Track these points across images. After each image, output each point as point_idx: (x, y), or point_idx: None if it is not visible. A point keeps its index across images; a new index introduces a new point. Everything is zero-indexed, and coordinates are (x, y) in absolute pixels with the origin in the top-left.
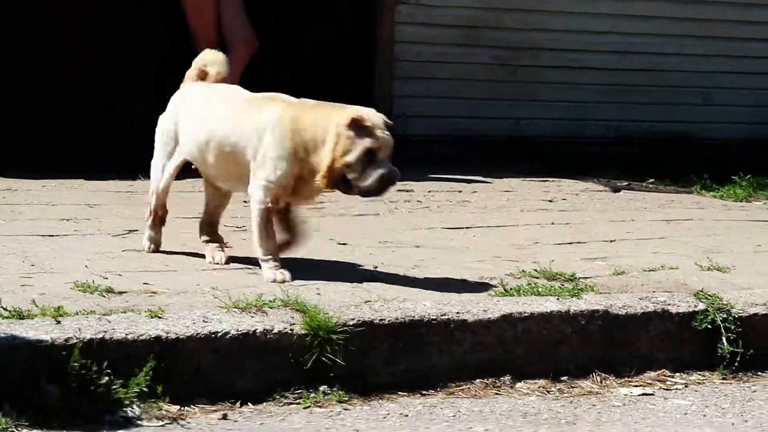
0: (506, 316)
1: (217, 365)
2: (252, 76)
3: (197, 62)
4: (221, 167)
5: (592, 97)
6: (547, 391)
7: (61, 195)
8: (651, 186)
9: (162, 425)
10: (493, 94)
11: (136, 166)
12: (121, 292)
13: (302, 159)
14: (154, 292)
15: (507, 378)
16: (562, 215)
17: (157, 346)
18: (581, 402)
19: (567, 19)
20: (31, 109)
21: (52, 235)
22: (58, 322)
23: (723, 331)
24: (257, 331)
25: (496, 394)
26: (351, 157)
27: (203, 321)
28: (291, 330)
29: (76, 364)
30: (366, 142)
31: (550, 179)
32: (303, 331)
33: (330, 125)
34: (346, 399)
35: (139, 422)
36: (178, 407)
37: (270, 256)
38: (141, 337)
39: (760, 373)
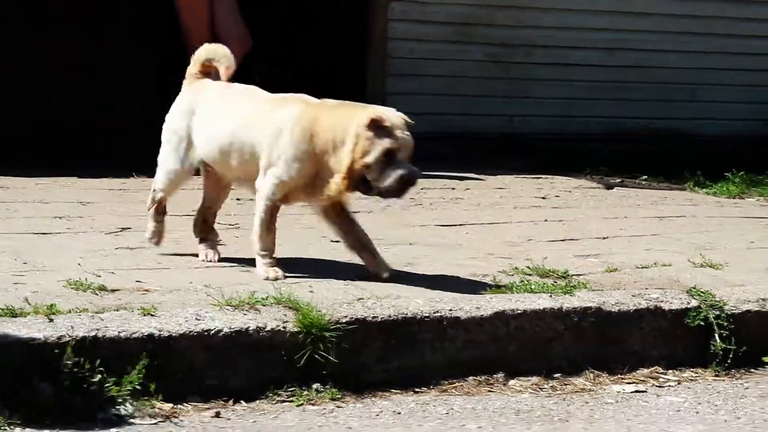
0: (499, 314)
1: (210, 363)
2: (243, 74)
3: (199, 57)
4: (243, 169)
5: (585, 94)
6: (539, 389)
7: (54, 193)
8: (644, 183)
9: (155, 423)
10: (486, 91)
11: (134, 165)
12: (113, 290)
13: (320, 160)
14: (146, 290)
15: (500, 375)
16: (555, 212)
17: (150, 344)
18: (574, 399)
19: (560, 16)
20: (31, 108)
21: (45, 233)
22: (51, 320)
23: (715, 328)
24: (250, 328)
25: (489, 391)
26: (370, 158)
27: (196, 319)
28: (284, 327)
29: (68, 362)
30: (385, 143)
31: (543, 176)
32: (296, 329)
33: (349, 126)
34: (339, 397)
35: (131, 420)
36: (171, 405)
37: (266, 252)
38: (134, 335)
39: (752, 370)
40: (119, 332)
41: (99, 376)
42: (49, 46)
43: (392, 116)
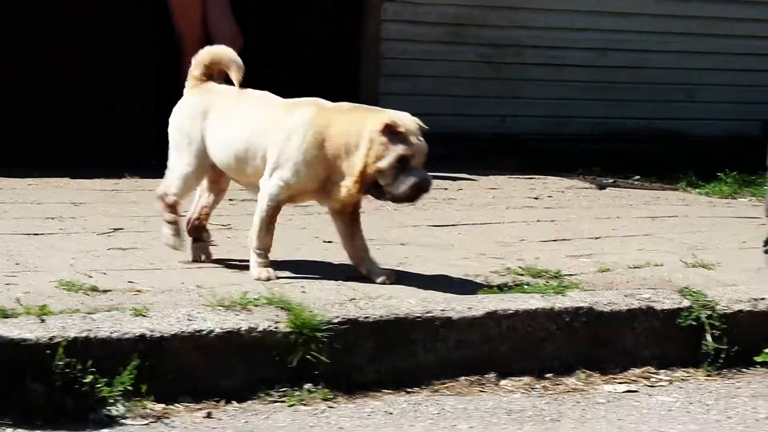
0: (491, 314)
1: (202, 364)
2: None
3: (202, 60)
4: (258, 176)
5: (578, 95)
6: (531, 389)
7: (46, 193)
8: (636, 183)
9: (146, 424)
10: (479, 92)
11: (132, 165)
12: (105, 291)
13: (332, 164)
14: (138, 291)
15: (492, 375)
16: (548, 212)
17: (142, 344)
18: (566, 399)
19: (552, 17)
20: (31, 108)
21: (37, 234)
22: (43, 321)
23: (707, 327)
24: (242, 329)
25: (481, 391)
26: (383, 164)
27: (188, 319)
28: (276, 328)
29: (60, 362)
30: (399, 149)
31: (536, 176)
32: (288, 329)
33: (363, 130)
34: (331, 397)
35: (123, 421)
36: (163, 406)
37: (262, 251)
38: (125, 336)
39: (744, 369)
40: (111, 333)
41: (91, 376)
42: (49, 46)
43: (407, 121)
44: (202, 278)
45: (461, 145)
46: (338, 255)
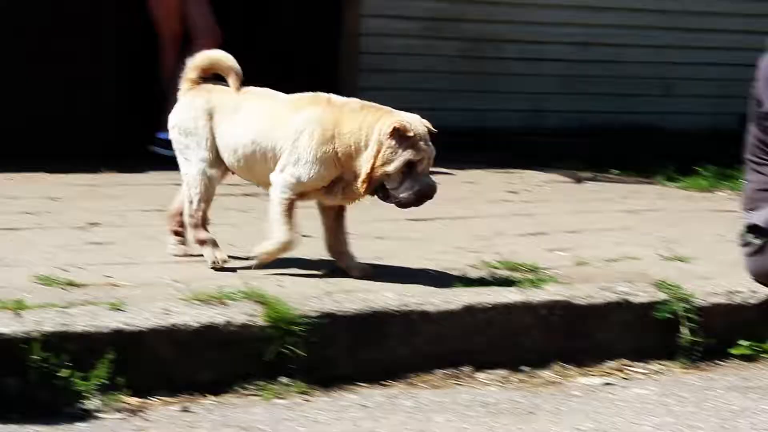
0: (468, 308)
1: (178, 357)
2: None
3: (198, 64)
4: (268, 174)
5: (556, 89)
6: (507, 382)
7: (23, 188)
8: (615, 177)
9: (122, 418)
10: (458, 86)
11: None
12: (82, 285)
13: (343, 163)
14: (115, 285)
15: (468, 368)
16: (526, 206)
17: (118, 338)
18: (541, 392)
19: (531, 11)
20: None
21: (14, 229)
22: (19, 315)
23: (684, 320)
24: (218, 323)
25: (457, 384)
26: (391, 168)
27: (164, 313)
28: (252, 322)
29: (36, 357)
30: (407, 154)
31: (514, 170)
32: (264, 323)
33: (372, 132)
34: (307, 390)
35: (99, 414)
36: (139, 399)
37: (281, 248)
38: (101, 330)
39: (719, 362)
40: (87, 327)
41: (67, 370)
42: (9, 35)
43: (416, 125)
44: (179, 273)
45: (439, 140)
46: (316, 249)
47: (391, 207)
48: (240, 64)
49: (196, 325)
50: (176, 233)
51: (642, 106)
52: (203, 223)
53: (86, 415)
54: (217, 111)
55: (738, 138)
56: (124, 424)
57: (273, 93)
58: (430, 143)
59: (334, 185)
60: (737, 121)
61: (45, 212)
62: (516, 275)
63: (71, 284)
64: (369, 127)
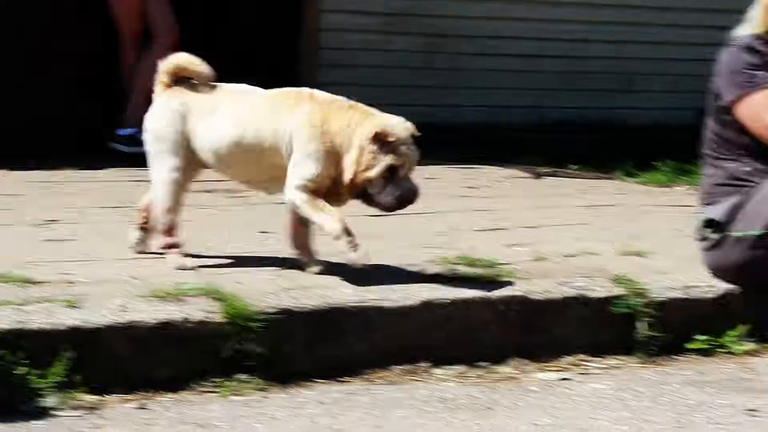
0: (426, 303)
1: (135, 354)
2: None
3: (168, 69)
4: (256, 170)
5: (516, 84)
6: (465, 377)
7: None
8: (574, 172)
9: (79, 415)
10: (417, 82)
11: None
12: (39, 283)
13: (337, 161)
14: (72, 282)
15: (425, 364)
16: (485, 202)
17: (75, 336)
18: (499, 387)
19: (490, 6)
20: None
21: None
22: None
23: (640, 315)
24: (176, 319)
25: (415, 380)
26: (372, 173)
27: (121, 310)
28: (210, 318)
29: None
30: (388, 159)
31: (473, 166)
32: (221, 320)
33: (354, 136)
34: (265, 387)
35: (55, 412)
36: (96, 397)
37: (342, 233)
38: (58, 328)
39: (676, 356)
40: (43, 325)
41: (23, 368)
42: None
43: (398, 129)
44: (137, 269)
45: None
46: (274, 245)
47: (350, 203)
48: (200, 58)
49: (153, 322)
50: (142, 229)
51: (602, 102)
52: (171, 229)
53: (43, 413)
54: (193, 111)
55: (696, 132)
56: (81, 422)
57: (251, 89)
58: (413, 147)
59: (332, 187)
60: (693, 116)
61: (3, 209)
62: (475, 271)
63: (28, 281)
64: (350, 131)
